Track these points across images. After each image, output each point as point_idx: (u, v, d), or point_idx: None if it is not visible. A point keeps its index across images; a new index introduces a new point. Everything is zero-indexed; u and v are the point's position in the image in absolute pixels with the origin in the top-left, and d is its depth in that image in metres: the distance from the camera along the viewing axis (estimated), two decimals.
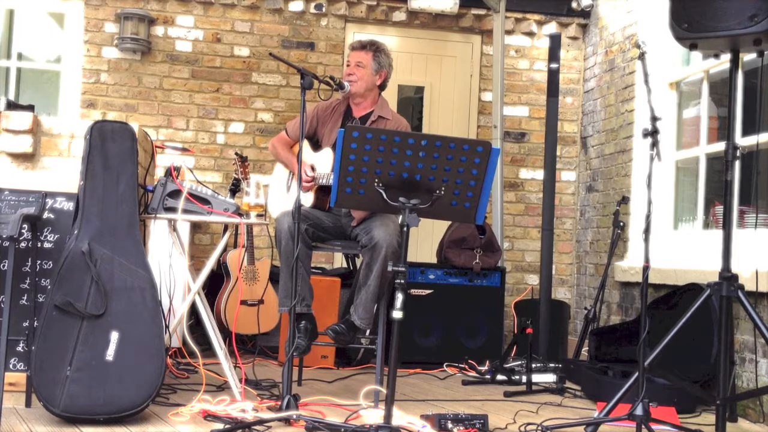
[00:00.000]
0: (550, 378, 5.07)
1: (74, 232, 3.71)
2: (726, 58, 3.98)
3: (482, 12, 6.89)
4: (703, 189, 5.40)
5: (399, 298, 3.21)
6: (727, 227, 3.89)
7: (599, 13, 6.78)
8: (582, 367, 5.10)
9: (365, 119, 4.61)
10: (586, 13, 6.95)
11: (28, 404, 3.72)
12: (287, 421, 3.64)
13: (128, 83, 6.51)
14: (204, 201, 4.11)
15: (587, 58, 7.02)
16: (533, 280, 6.86)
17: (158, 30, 6.56)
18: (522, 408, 4.32)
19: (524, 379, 4.94)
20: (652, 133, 3.68)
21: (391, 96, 6.79)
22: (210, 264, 4.28)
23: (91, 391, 3.49)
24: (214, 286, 5.82)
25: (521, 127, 7.05)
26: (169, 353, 4.47)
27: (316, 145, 4.65)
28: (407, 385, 4.94)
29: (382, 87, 4.70)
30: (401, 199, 3.37)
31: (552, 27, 6.97)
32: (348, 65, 4.66)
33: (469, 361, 5.56)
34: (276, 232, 4.31)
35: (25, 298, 3.89)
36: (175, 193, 4.08)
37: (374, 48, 4.66)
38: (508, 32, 6.88)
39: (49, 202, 3.95)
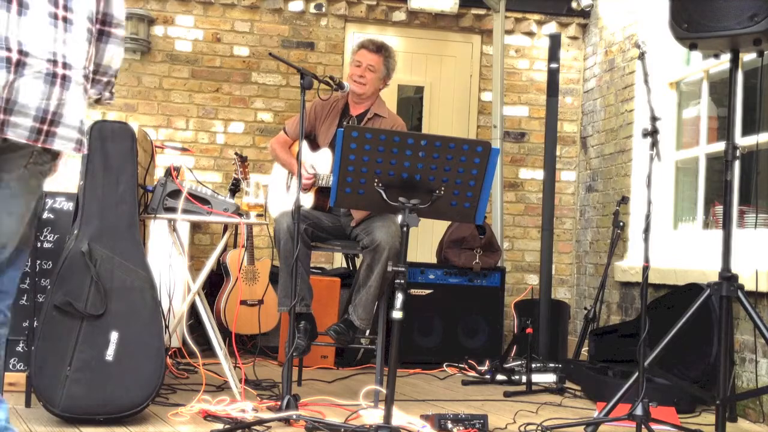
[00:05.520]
0: (550, 378, 5.07)
1: (74, 232, 3.71)
2: (726, 58, 3.98)
3: (482, 12, 6.89)
4: (703, 189, 5.40)
5: (399, 298, 3.21)
6: (727, 227, 3.89)
7: (599, 13, 6.78)
8: (582, 367, 5.10)
9: (361, 117, 4.61)
10: (586, 13, 6.95)
11: (28, 404, 3.72)
12: (287, 421, 3.64)
13: (128, 83, 6.51)
14: (204, 201, 4.12)
15: (587, 58, 7.02)
16: (533, 280, 6.86)
17: (158, 30, 6.56)
18: (522, 408, 4.32)
19: (524, 379, 4.94)
20: (652, 133, 3.68)
21: (391, 96, 6.79)
22: (210, 264, 4.28)
23: (91, 391, 3.49)
24: (214, 286, 5.82)
25: (521, 127, 7.05)
26: (169, 353, 4.47)
27: (314, 143, 4.64)
28: (407, 385, 4.94)
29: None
30: (401, 199, 3.37)
31: (552, 27, 6.97)
32: (358, 65, 4.58)
33: (469, 361, 5.56)
34: (275, 232, 4.31)
35: (25, 298, 3.89)
36: (175, 193, 4.08)
37: (386, 53, 4.63)
38: (508, 32, 6.88)
39: (49, 202, 3.95)
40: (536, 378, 5.01)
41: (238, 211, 4.14)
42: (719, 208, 4.98)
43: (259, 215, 4.25)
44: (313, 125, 4.64)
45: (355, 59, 4.63)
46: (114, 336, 3.57)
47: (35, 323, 3.66)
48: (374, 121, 4.58)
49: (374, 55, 4.59)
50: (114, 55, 2.62)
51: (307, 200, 4.51)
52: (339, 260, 6.62)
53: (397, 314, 3.22)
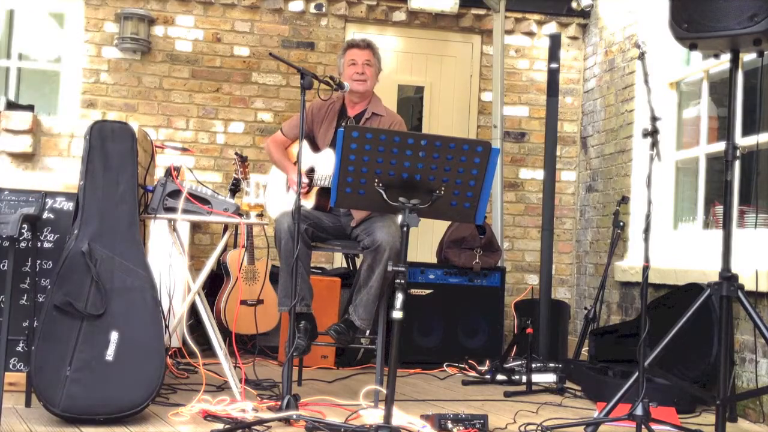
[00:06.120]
0: (550, 378, 5.07)
1: (74, 232, 3.71)
2: (726, 58, 3.98)
3: (482, 12, 6.89)
4: (703, 189, 5.40)
5: (399, 298, 3.21)
6: (727, 227, 3.89)
7: (599, 13, 6.78)
8: (582, 367, 5.10)
9: (359, 117, 4.61)
10: (586, 13, 6.95)
11: (28, 404, 3.72)
12: (287, 421, 3.64)
13: (128, 83, 6.51)
14: (204, 201, 4.12)
15: (587, 58, 7.02)
16: (533, 280, 6.86)
17: (158, 30, 6.56)
18: (522, 408, 4.32)
19: (524, 379, 4.94)
20: (652, 133, 3.68)
21: (391, 96, 6.79)
22: (210, 264, 4.28)
23: (91, 391, 3.49)
24: (214, 286, 5.82)
25: (521, 127, 7.05)
26: (169, 353, 4.47)
27: (313, 145, 4.64)
28: (407, 385, 4.94)
29: None
30: (401, 199, 3.37)
31: (552, 27, 6.97)
32: (354, 63, 4.57)
33: (469, 361, 5.56)
34: (275, 232, 4.30)
35: (25, 298, 3.89)
36: (175, 193, 4.08)
37: (374, 48, 4.66)
38: (508, 32, 6.88)
39: (49, 202, 3.95)
40: (536, 378, 5.01)
41: (238, 211, 4.14)
42: (719, 208, 4.98)
43: (258, 215, 4.25)
44: (311, 128, 4.64)
45: (347, 59, 4.61)
46: (114, 336, 3.57)
47: (35, 323, 3.66)
48: (372, 120, 4.57)
49: (366, 50, 4.61)
50: None
51: (309, 202, 4.50)
52: (339, 260, 6.62)
53: (397, 314, 3.22)
